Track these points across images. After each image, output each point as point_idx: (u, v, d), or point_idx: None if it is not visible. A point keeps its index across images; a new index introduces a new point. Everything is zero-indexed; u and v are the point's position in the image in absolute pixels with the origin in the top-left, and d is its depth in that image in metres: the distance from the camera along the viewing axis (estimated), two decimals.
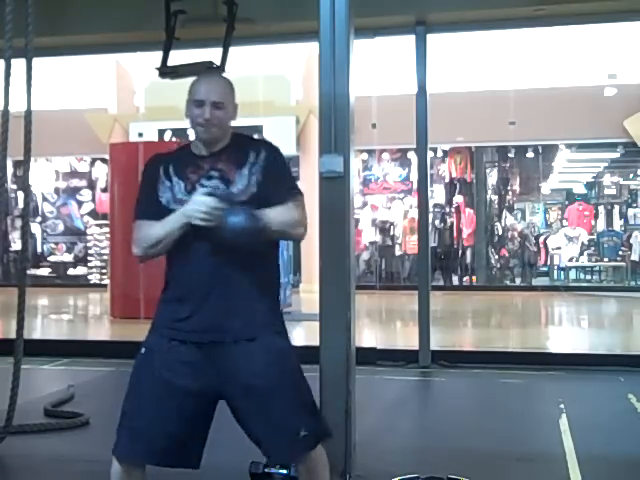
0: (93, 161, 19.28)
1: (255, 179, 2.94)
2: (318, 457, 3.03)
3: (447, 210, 18.24)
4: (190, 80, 3.07)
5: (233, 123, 3.06)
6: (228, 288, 2.89)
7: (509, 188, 19.08)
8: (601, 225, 20.21)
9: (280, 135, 14.30)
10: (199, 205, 2.82)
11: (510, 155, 18.59)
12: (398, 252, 18.03)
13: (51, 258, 19.49)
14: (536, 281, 18.33)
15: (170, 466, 2.95)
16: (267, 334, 2.93)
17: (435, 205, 17.36)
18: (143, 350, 3.00)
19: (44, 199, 19.76)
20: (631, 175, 20.91)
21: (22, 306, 4.84)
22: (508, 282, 17.99)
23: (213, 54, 7.58)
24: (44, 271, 18.99)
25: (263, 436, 2.93)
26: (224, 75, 3.05)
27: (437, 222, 17.72)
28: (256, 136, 3.24)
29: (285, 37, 8.56)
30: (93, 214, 19.41)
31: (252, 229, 2.82)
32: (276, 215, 2.90)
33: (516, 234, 18.48)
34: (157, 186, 2.97)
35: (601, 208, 20.60)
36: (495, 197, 18.64)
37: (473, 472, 4.26)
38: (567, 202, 21.77)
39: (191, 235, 2.88)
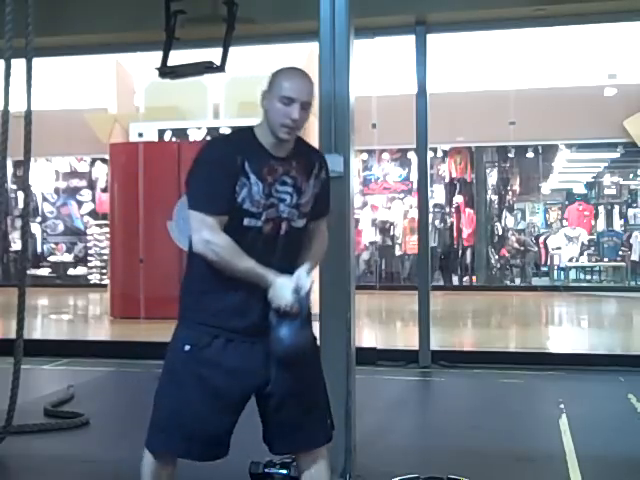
0: (93, 161, 19.27)
1: (316, 192, 2.98)
2: (328, 455, 3.08)
3: (447, 210, 18.24)
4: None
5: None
6: (286, 266, 2.89)
7: (509, 188, 19.07)
8: (601, 225, 20.20)
9: None
10: (282, 295, 2.77)
11: (510, 155, 18.57)
12: (398, 252, 18.02)
13: (51, 258, 19.49)
14: (536, 281, 18.33)
15: (205, 460, 2.98)
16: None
17: (435, 205, 17.35)
18: (188, 348, 2.88)
19: (44, 199, 19.75)
20: (631, 175, 20.89)
21: (22, 306, 4.84)
22: (508, 282, 17.99)
23: (213, 54, 7.58)
24: (44, 271, 18.98)
25: (298, 421, 2.94)
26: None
27: (437, 222, 17.72)
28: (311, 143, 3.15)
29: (285, 37, 8.57)
30: (93, 214, 19.40)
31: (299, 346, 2.84)
32: (316, 258, 3.03)
33: (514, 239, 18.48)
34: (235, 181, 2.80)
35: (601, 208, 20.58)
36: (495, 197, 18.64)
37: (473, 472, 4.27)
38: (567, 202, 21.74)
39: (254, 240, 2.84)
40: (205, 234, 2.78)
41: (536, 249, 18.95)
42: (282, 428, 2.97)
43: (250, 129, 2.92)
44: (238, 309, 2.85)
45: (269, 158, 2.86)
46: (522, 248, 18.42)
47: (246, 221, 2.83)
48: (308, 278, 2.81)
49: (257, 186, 2.82)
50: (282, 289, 2.77)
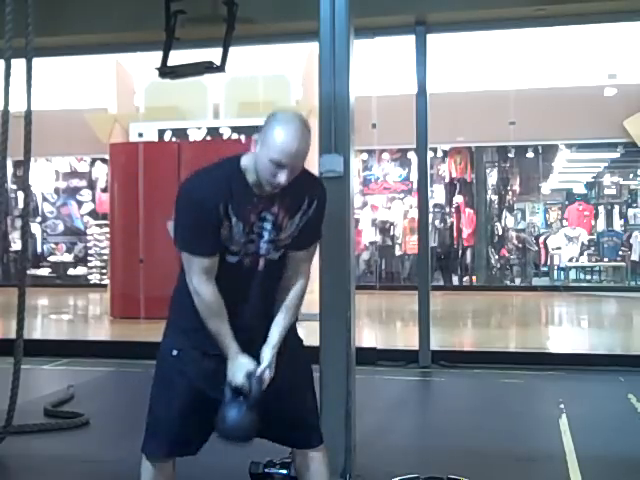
0: (93, 161, 19.27)
1: (301, 225, 2.91)
2: (326, 455, 3.11)
3: (447, 210, 18.23)
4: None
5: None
6: (264, 297, 2.95)
7: (509, 188, 19.06)
8: (601, 225, 20.19)
9: None
10: (236, 375, 2.82)
11: (510, 155, 18.57)
12: (398, 252, 18.02)
13: (51, 258, 19.49)
14: (536, 281, 18.32)
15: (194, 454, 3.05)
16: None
17: (435, 205, 17.35)
18: (175, 352, 2.96)
19: (44, 199, 19.75)
20: (631, 175, 20.89)
21: (22, 306, 4.84)
22: (508, 282, 17.98)
23: (213, 54, 7.58)
24: (44, 271, 18.98)
25: (291, 422, 3.00)
26: (305, 127, 2.75)
27: (437, 222, 17.71)
28: (312, 175, 3.02)
29: (285, 37, 8.55)
30: (93, 214, 19.39)
31: (241, 429, 2.83)
32: (290, 317, 2.96)
33: (514, 238, 18.47)
34: (218, 225, 2.81)
35: (601, 208, 20.57)
36: (495, 197, 18.63)
37: (473, 472, 4.27)
38: (567, 202, 21.74)
39: (235, 272, 2.88)
40: (194, 280, 2.83)
41: (536, 248, 18.95)
42: (272, 428, 3.00)
43: (237, 161, 2.86)
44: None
45: (252, 197, 2.83)
46: (521, 245, 18.42)
47: (228, 257, 2.87)
48: (267, 367, 2.85)
49: (238, 227, 2.82)
50: (238, 368, 2.83)
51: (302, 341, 3.15)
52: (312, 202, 2.91)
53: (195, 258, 2.82)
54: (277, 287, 2.96)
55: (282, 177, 2.72)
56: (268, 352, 2.87)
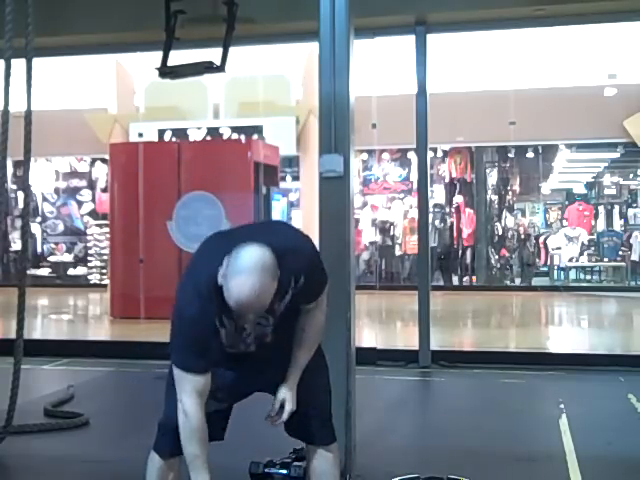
0: (93, 161, 19.26)
1: (293, 296, 2.88)
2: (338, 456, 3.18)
3: (447, 210, 18.23)
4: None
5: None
6: (274, 365, 3.01)
7: (509, 188, 19.06)
8: (601, 225, 20.19)
9: (280, 135, 14.31)
10: None
11: (510, 155, 18.57)
12: (398, 252, 18.01)
13: (51, 258, 19.48)
14: (536, 281, 18.32)
15: None
16: None
17: (435, 205, 17.35)
18: None
19: (44, 199, 19.74)
20: (631, 175, 20.89)
21: (22, 306, 4.84)
22: (508, 282, 17.98)
23: (213, 54, 7.58)
24: (44, 271, 18.97)
25: (305, 419, 3.05)
26: (266, 273, 2.64)
27: (437, 222, 17.71)
28: (295, 250, 2.87)
29: (285, 37, 8.56)
30: (93, 214, 19.39)
31: None
32: (306, 352, 2.99)
33: (522, 230, 18.47)
34: (214, 339, 2.84)
35: (601, 208, 20.58)
36: (495, 197, 18.63)
37: (473, 472, 4.27)
38: (567, 202, 21.74)
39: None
40: (185, 400, 2.80)
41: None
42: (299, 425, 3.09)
43: (215, 279, 2.73)
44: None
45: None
46: (524, 236, 18.41)
47: (228, 349, 2.94)
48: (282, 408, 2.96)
49: (231, 326, 2.84)
50: None
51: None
52: (298, 280, 2.84)
53: (189, 376, 2.78)
54: (291, 340, 2.99)
55: (245, 324, 2.81)
56: (284, 391, 2.96)
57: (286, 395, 2.95)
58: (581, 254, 18.86)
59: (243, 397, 3.12)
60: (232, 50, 7.51)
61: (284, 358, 2.99)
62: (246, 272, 2.61)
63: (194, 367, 2.79)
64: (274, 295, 2.72)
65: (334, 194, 4.25)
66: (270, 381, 3.01)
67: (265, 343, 2.96)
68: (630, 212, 20.19)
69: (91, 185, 19.62)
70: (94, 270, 18.43)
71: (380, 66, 11.06)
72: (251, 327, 2.86)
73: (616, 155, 18.36)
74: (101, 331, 11.83)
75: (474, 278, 17.90)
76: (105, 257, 17.04)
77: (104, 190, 17.96)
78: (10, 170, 17.62)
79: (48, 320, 13.12)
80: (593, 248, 19.12)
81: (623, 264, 18.16)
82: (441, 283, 17.27)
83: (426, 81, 7.99)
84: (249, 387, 3.10)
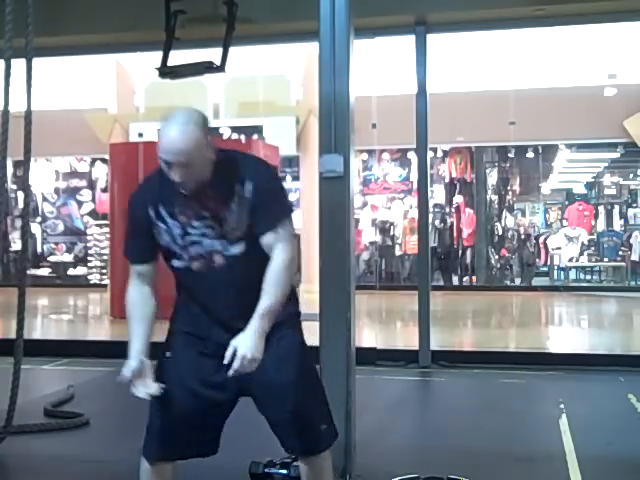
0: (93, 161, 19.27)
1: (246, 213, 2.78)
2: (328, 457, 3.04)
3: (447, 210, 18.23)
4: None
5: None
6: (238, 295, 2.84)
7: (509, 188, 19.07)
8: (601, 225, 20.20)
9: (280, 135, 14.31)
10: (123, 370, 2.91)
11: (510, 155, 18.58)
12: (398, 252, 18.02)
13: (51, 258, 19.48)
14: (536, 281, 18.32)
15: (196, 457, 3.02)
16: (279, 330, 2.87)
17: (435, 205, 17.35)
18: (168, 354, 2.99)
19: (44, 199, 19.75)
20: (631, 175, 20.90)
21: (22, 306, 4.83)
22: (508, 282, 17.99)
23: (213, 54, 7.59)
24: (44, 271, 18.98)
25: (285, 429, 2.90)
26: (189, 122, 2.68)
27: (437, 222, 17.71)
28: (241, 156, 2.90)
29: (285, 37, 8.56)
30: (93, 214, 19.40)
31: None
32: (270, 299, 2.77)
33: (522, 230, 18.47)
34: (151, 230, 2.87)
35: (601, 208, 20.59)
36: (495, 197, 18.64)
37: (473, 472, 4.27)
38: (567, 202, 21.75)
39: (192, 279, 2.89)
40: (129, 281, 3.01)
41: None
42: (275, 430, 2.96)
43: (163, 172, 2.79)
44: (196, 312, 2.93)
45: (181, 197, 2.78)
46: (524, 236, 18.41)
47: (174, 262, 2.89)
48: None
49: (175, 228, 2.82)
50: (126, 366, 2.91)
51: (299, 341, 2.98)
52: (244, 185, 2.77)
53: (132, 266, 2.96)
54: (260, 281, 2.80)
55: (174, 175, 2.70)
56: (239, 336, 2.75)
57: (239, 341, 2.73)
58: (581, 254, 18.87)
59: (223, 351, 2.77)
60: (232, 50, 7.51)
61: (249, 305, 2.77)
62: (172, 121, 2.70)
63: (132, 256, 2.98)
64: (216, 195, 2.75)
65: (334, 194, 4.26)
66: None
67: (217, 269, 2.81)
68: (630, 212, 20.20)
69: (91, 185, 19.63)
70: (94, 270, 18.43)
71: (380, 66, 11.06)
72: (184, 184, 2.71)
73: (616, 155, 18.37)
74: (101, 331, 11.83)
75: (474, 278, 17.91)
76: (105, 257, 17.04)
77: (104, 190, 17.96)
78: (10, 170, 17.62)
79: (48, 320, 13.12)
80: (593, 248, 19.13)
81: (623, 264, 18.17)
82: (441, 283, 17.27)
83: (426, 81, 7.99)
84: (219, 337, 2.84)
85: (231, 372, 2.72)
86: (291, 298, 2.93)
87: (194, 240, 2.82)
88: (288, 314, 2.92)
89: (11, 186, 18.12)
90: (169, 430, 2.91)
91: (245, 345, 2.72)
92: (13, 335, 4.90)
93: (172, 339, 3.01)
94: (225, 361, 2.73)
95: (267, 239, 2.79)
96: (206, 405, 2.89)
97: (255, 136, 13.79)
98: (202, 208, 2.78)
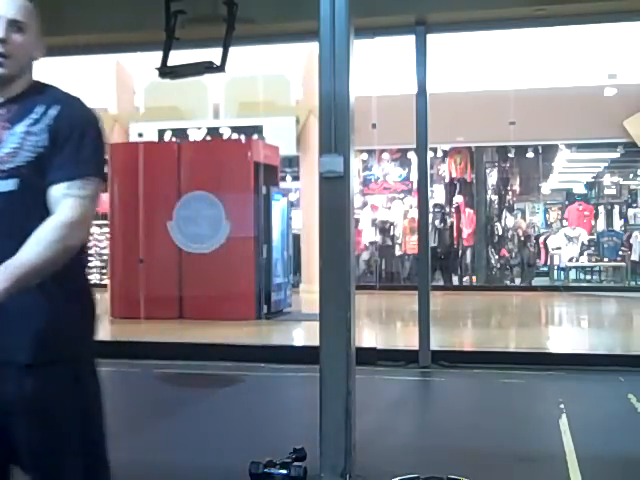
0: None
1: (35, 141, 2.14)
2: None
3: (447, 210, 18.24)
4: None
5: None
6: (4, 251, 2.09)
7: (509, 188, 19.09)
8: (601, 225, 20.21)
9: (280, 135, 14.32)
10: None
11: (510, 155, 18.59)
12: (398, 252, 18.02)
13: None
14: (536, 281, 18.33)
15: None
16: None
17: (435, 205, 17.35)
18: None
19: None
20: (631, 175, 20.92)
21: None
22: (508, 282, 17.99)
23: (213, 54, 7.59)
24: None
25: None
26: None
27: (437, 222, 17.71)
28: (62, 90, 2.34)
29: (285, 37, 8.57)
30: None
31: None
32: (28, 255, 2.06)
33: (520, 232, 18.48)
34: None
35: (601, 208, 20.60)
36: (495, 197, 18.65)
37: (473, 472, 4.27)
38: (567, 202, 21.77)
39: None
40: None
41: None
42: None
43: None
44: None
45: None
46: (524, 236, 18.42)
47: None
48: None
49: None
50: None
51: (81, 391, 2.26)
52: (49, 108, 2.17)
53: None
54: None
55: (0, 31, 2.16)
56: None
57: None
58: (581, 254, 18.87)
59: None
60: (232, 50, 7.52)
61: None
62: None
63: None
64: (8, 110, 2.18)
65: (334, 194, 4.26)
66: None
67: None
68: (630, 212, 20.21)
69: None
70: (94, 270, 18.43)
71: (380, 66, 11.07)
72: None
73: (616, 155, 18.38)
74: (101, 331, 11.80)
75: (474, 278, 17.91)
76: (105, 257, 17.05)
77: (104, 190, 17.95)
78: None
79: None
80: (593, 248, 19.14)
81: (623, 264, 18.17)
82: (441, 283, 17.27)
83: (426, 81, 8.00)
84: None
85: None
86: (74, 271, 2.34)
87: None
88: (65, 291, 2.32)
89: None
90: None
91: None
92: None
93: None
94: None
95: (56, 191, 2.12)
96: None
97: (255, 136, 13.79)
98: None
